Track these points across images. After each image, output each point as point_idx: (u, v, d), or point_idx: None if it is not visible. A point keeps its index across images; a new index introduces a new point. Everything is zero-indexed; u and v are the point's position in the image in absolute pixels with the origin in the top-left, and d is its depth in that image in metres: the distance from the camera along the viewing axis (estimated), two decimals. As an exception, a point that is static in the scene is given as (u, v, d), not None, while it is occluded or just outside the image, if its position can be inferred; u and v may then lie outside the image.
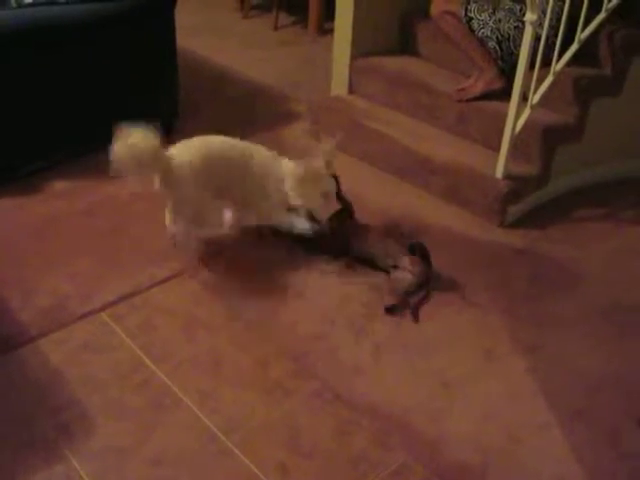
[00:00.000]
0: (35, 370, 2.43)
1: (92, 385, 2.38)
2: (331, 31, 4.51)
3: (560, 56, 3.24)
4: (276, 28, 6.04)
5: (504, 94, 3.41)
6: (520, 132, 3.23)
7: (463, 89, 3.66)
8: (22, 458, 2.12)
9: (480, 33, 3.54)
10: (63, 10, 3.40)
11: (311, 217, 3.02)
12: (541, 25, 3.11)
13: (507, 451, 2.23)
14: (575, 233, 3.36)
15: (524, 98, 3.18)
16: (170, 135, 3.96)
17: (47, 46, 3.35)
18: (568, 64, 3.28)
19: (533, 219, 3.43)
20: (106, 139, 3.76)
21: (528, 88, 3.17)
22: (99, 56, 3.57)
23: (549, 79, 3.24)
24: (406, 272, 2.88)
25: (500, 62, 3.56)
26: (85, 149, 3.74)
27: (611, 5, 3.28)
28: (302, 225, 3.02)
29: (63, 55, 3.43)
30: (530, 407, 2.39)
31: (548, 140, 3.38)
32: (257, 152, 3.01)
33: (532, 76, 3.16)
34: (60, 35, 3.39)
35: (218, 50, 5.44)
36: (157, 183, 2.78)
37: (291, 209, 3.03)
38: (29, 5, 3.58)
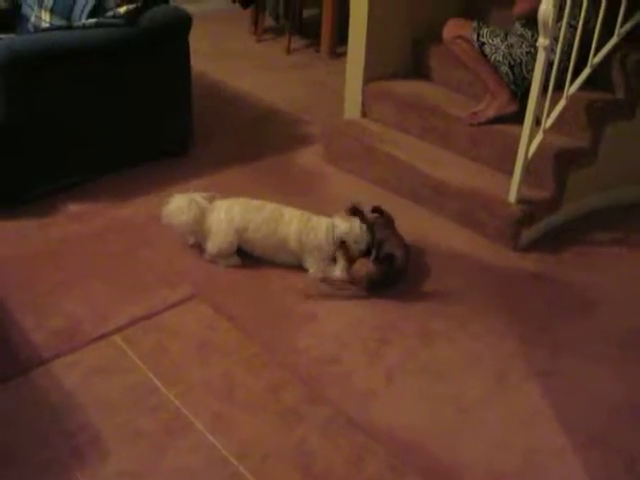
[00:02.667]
0: (48, 393, 2.42)
1: (105, 409, 2.37)
2: (343, 54, 4.54)
3: (573, 80, 3.24)
4: (289, 51, 6.08)
5: (517, 118, 3.42)
6: (533, 156, 3.24)
7: (475, 113, 3.67)
8: (34, 482, 2.11)
9: (492, 58, 3.56)
10: (79, 35, 3.44)
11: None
12: (553, 50, 3.12)
13: (523, 477, 2.20)
14: (589, 257, 3.34)
15: (537, 122, 3.19)
16: (183, 158, 4.02)
17: (62, 70, 3.38)
18: (581, 88, 3.28)
19: (546, 243, 3.42)
20: (119, 162, 3.83)
21: (541, 112, 3.18)
22: (114, 80, 3.60)
23: (562, 103, 3.25)
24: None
25: (512, 86, 3.57)
26: (99, 172, 3.77)
27: (623, 29, 3.29)
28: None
29: (78, 79, 3.46)
30: (545, 433, 2.37)
31: (561, 164, 3.38)
32: (288, 213, 3.15)
33: (545, 100, 3.16)
34: (75, 59, 3.42)
35: (231, 73, 5.48)
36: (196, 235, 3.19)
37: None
38: (46, 30, 3.63)
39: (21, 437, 2.25)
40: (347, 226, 3.06)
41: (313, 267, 3.09)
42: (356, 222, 3.07)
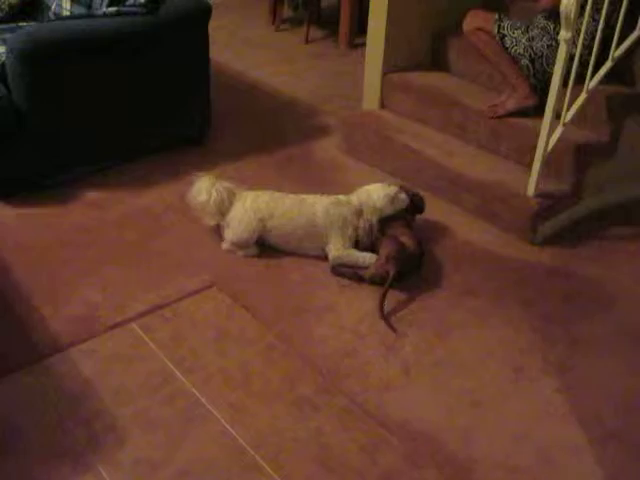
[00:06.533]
0: (65, 380, 2.45)
1: (122, 396, 2.39)
2: (361, 45, 4.51)
3: (594, 74, 3.22)
4: (307, 42, 6.06)
5: (536, 111, 3.41)
6: (552, 150, 3.22)
7: (495, 105, 3.65)
8: (52, 468, 2.13)
9: (513, 50, 3.53)
10: (100, 23, 3.44)
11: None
12: (575, 43, 3.09)
13: (538, 472, 2.21)
14: (607, 252, 3.32)
15: (557, 116, 3.17)
16: (201, 147, 4.03)
17: (82, 58, 3.39)
18: (601, 82, 3.26)
19: (564, 237, 3.41)
20: (138, 150, 3.84)
21: (561, 106, 3.16)
22: (133, 69, 3.60)
23: (582, 97, 3.23)
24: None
25: (532, 79, 3.55)
26: (118, 160, 3.78)
27: (646, 23, 3.26)
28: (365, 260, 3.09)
29: (97, 67, 3.47)
30: (561, 428, 2.37)
31: (580, 158, 3.36)
32: (317, 200, 3.19)
33: (565, 94, 3.14)
34: (96, 48, 3.42)
35: (249, 63, 5.47)
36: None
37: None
38: (67, 18, 3.63)
39: (38, 423, 2.28)
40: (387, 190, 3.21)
41: (336, 246, 3.09)
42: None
